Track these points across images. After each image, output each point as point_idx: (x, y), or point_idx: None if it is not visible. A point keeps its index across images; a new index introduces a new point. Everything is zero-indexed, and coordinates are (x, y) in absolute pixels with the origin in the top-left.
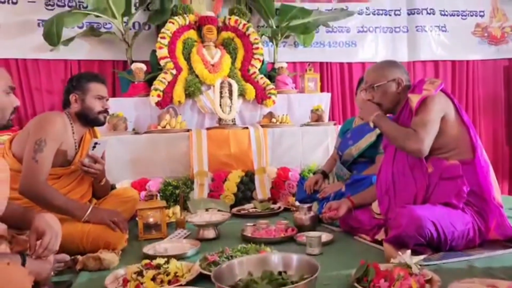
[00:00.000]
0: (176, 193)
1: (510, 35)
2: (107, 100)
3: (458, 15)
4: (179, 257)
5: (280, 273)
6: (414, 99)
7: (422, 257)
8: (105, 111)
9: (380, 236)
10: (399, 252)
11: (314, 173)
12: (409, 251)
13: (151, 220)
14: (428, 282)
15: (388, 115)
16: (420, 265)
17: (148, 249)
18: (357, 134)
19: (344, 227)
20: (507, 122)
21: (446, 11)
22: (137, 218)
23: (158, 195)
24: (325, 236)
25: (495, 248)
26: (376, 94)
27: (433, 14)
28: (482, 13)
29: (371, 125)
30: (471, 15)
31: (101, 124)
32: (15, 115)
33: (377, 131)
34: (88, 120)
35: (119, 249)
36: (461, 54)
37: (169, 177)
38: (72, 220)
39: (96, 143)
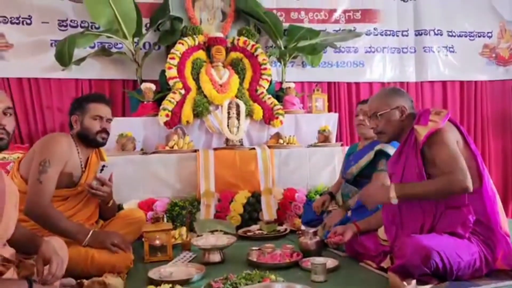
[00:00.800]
0: (182, 213)
1: None
2: (108, 120)
3: (465, 36)
4: (184, 283)
5: None
6: (422, 131)
7: (428, 287)
8: (104, 131)
9: (386, 263)
10: (405, 282)
11: (320, 194)
12: (414, 281)
13: (157, 242)
14: None
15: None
16: None
17: (153, 273)
18: (358, 156)
19: (349, 253)
20: None
21: (454, 32)
22: (143, 240)
23: (165, 216)
24: (330, 262)
25: (502, 279)
26: (380, 123)
27: (441, 35)
28: (490, 34)
29: (395, 202)
30: (479, 36)
31: (100, 145)
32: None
33: (375, 149)
34: (88, 141)
35: (125, 272)
36: (469, 75)
37: (176, 197)
38: (77, 243)
39: (104, 166)
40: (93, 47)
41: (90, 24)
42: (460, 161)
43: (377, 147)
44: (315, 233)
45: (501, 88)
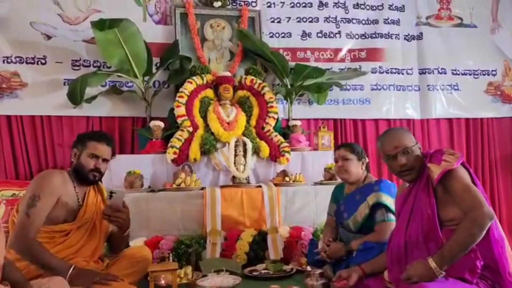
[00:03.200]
0: (188, 251)
1: None
2: (104, 160)
3: (470, 74)
4: None
5: None
6: (435, 169)
7: None
8: (96, 170)
9: None
10: None
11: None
12: None
13: (162, 282)
14: None
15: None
16: None
17: None
18: (350, 205)
19: None
20: None
21: (458, 70)
22: (148, 279)
23: (171, 255)
24: None
25: None
26: (410, 158)
27: (445, 73)
28: (494, 72)
29: (443, 274)
30: (483, 74)
31: (91, 182)
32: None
33: (369, 202)
34: (81, 176)
35: None
36: (475, 112)
37: (182, 235)
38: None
39: (111, 193)
40: (104, 86)
41: (102, 64)
42: (478, 194)
43: (372, 201)
44: (321, 274)
45: (508, 126)
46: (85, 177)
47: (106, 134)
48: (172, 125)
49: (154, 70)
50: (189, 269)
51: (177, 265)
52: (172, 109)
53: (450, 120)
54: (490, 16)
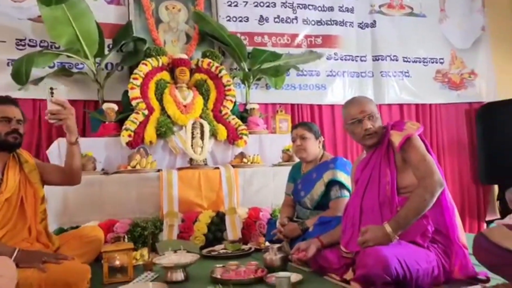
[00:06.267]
0: (144, 234)
1: (468, 81)
2: (19, 121)
3: (420, 62)
4: None
5: None
6: (397, 136)
7: None
8: (14, 131)
9: (349, 275)
10: None
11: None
12: None
13: (117, 263)
14: None
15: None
16: None
17: None
18: (307, 184)
19: (314, 267)
20: (471, 163)
21: (409, 58)
22: (102, 261)
23: (126, 237)
24: (295, 277)
25: (459, 285)
26: (374, 124)
27: (397, 60)
28: (442, 60)
29: (397, 238)
30: (432, 62)
31: (13, 145)
32: None
33: (325, 180)
34: (1, 146)
35: None
36: (424, 98)
37: (138, 218)
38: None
39: (52, 88)
40: (52, 67)
41: (50, 44)
42: (432, 163)
43: (327, 178)
44: (279, 249)
45: (455, 111)
46: (3, 143)
47: (8, 96)
48: (126, 108)
49: (106, 52)
50: (145, 251)
51: (132, 245)
52: (126, 92)
53: (401, 106)
54: (438, 7)
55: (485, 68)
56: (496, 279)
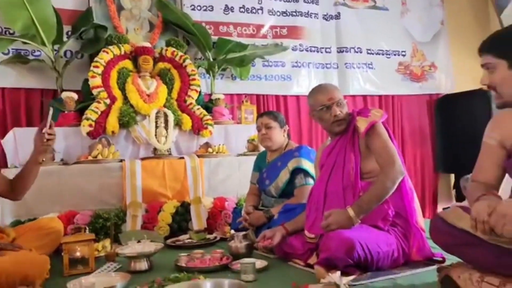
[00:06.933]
0: (107, 225)
1: (429, 73)
2: None
3: (383, 54)
4: None
5: None
6: (363, 122)
7: (351, 277)
8: None
9: (312, 260)
10: (329, 273)
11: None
12: (339, 273)
13: (77, 254)
14: None
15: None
16: (349, 285)
17: (73, 284)
18: (272, 172)
19: (278, 254)
20: (432, 153)
21: (372, 50)
22: (62, 254)
23: (87, 228)
24: (260, 263)
25: (417, 266)
26: (342, 110)
27: (361, 52)
28: (404, 53)
29: (359, 221)
30: (394, 55)
31: None
32: None
33: (289, 168)
34: None
35: (39, 283)
36: (387, 90)
37: (100, 209)
38: None
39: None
40: (7, 54)
41: (4, 30)
42: (394, 151)
43: (292, 166)
44: (245, 237)
45: (417, 102)
46: None
47: None
48: (86, 97)
49: (65, 39)
50: (107, 242)
51: (93, 236)
52: (86, 80)
53: (365, 97)
54: (400, 0)
55: (444, 61)
56: (451, 259)
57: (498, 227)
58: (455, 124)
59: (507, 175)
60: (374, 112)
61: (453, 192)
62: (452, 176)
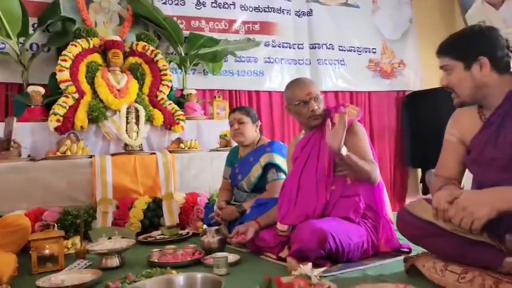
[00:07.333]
0: (76, 222)
1: (398, 70)
2: None
3: (354, 51)
4: None
5: None
6: None
7: (322, 269)
8: None
9: (284, 253)
10: (301, 265)
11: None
12: (310, 264)
13: (46, 251)
14: None
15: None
16: (320, 276)
17: (43, 281)
18: (244, 167)
19: (251, 248)
20: (400, 148)
21: (344, 46)
22: (30, 251)
23: (55, 225)
24: (232, 257)
25: (385, 257)
26: (320, 105)
27: (332, 49)
28: (374, 50)
29: (344, 152)
30: (365, 52)
31: None
32: None
33: (262, 163)
34: None
35: (5, 281)
36: (359, 86)
37: (69, 206)
38: None
39: None
40: None
41: None
42: (371, 152)
43: (264, 161)
44: (217, 231)
45: (386, 99)
46: None
47: None
48: (54, 91)
49: (31, 31)
50: (77, 239)
51: (62, 233)
52: (53, 74)
53: (336, 93)
54: None
55: (412, 58)
56: (417, 250)
57: (456, 219)
58: (421, 120)
59: (467, 171)
60: (351, 110)
61: (420, 186)
62: (419, 170)
